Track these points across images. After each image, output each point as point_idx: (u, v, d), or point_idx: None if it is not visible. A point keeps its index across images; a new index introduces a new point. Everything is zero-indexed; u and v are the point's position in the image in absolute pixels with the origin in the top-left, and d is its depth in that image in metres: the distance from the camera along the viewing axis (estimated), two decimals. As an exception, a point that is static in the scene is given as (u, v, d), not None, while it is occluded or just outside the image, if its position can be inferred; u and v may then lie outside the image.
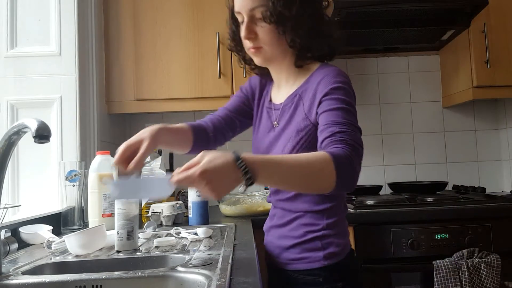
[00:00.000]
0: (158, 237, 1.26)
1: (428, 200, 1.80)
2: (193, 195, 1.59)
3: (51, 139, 0.87)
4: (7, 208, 1.29)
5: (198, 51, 2.01)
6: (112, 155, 1.20)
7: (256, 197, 1.79)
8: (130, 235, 1.13)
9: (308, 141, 1.05)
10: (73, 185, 1.52)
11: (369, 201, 1.78)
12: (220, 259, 0.92)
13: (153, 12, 2.01)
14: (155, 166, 1.68)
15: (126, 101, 2.01)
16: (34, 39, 1.72)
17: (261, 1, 1.04)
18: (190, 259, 0.95)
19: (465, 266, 1.56)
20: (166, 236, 1.30)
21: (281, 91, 1.19)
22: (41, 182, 1.67)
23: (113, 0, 2.03)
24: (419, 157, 2.39)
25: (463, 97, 2.14)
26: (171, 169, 2.03)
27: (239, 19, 1.10)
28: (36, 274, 0.93)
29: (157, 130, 0.99)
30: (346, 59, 2.40)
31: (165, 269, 0.89)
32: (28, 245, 1.24)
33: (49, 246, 1.14)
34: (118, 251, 1.11)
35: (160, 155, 1.79)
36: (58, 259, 1.04)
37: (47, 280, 0.86)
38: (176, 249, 1.09)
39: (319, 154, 0.86)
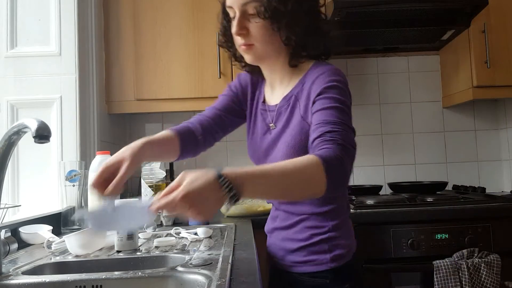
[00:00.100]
0: (158, 237, 1.26)
1: (428, 200, 1.80)
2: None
3: (51, 139, 0.87)
4: (7, 208, 1.29)
5: (198, 51, 2.01)
6: (112, 155, 1.20)
7: (256, 197, 1.78)
8: (130, 235, 1.13)
9: (307, 144, 1.01)
10: (73, 185, 1.52)
11: (369, 201, 1.78)
12: (220, 259, 0.92)
13: (153, 12, 2.01)
14: (155, 166, 1.67)
15: (126, 101, 2.01)
16: (34, 39, 1.72)
17: None
18: (190, 259, 0.95)
19: (465, 266, 1.56)
20: (166, 236, 1.30)
21: (275, 92, 1.15)
22: (41, 182, 1.67)
23: (113, 0, 2.03)
24: (419, 157, 2.39)
25: (463, 97, 2.14)
26: (171, 169, 2.03)
27: (231, 14, 1.05)
28: (36, 274, 0.93)
29: (139, 148, 0.93)
30: (346, 59, 2.39)
31: (165, 269, 0.89)
32: (28, 245, 1.24)
33: (49, 246, 1.14)
34: (118, 251, 1.11)
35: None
36: (58, 259, 1.04)
37: (47, 280, 0.86)
38: (176, 249, 1.09)
39: (307, 159, 0.81)
